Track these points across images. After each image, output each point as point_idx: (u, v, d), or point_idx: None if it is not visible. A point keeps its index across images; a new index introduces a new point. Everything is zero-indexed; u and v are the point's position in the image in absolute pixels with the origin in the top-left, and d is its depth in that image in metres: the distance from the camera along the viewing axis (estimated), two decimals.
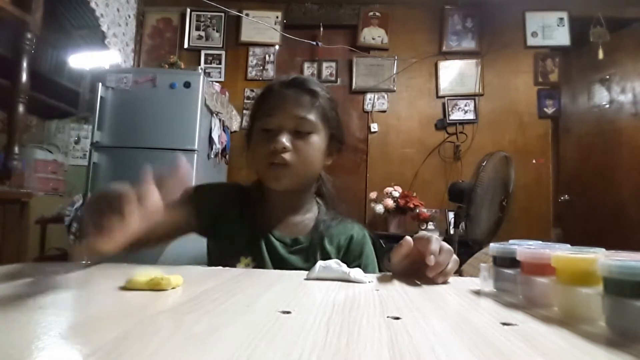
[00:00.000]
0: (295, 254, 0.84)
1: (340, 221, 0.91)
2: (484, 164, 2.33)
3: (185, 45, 3.55)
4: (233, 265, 0.82)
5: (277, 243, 0.85)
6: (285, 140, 0.80)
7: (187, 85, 2.57)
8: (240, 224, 0.87)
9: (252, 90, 3.49)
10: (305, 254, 0.85)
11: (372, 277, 0.59)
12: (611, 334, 0.32)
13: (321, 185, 0.95)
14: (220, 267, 0.69)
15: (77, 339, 0.29)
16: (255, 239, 0.85)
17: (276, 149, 0.79)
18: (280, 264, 0.83)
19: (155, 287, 0.45)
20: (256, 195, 0.89)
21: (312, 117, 0.82)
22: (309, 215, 0.90)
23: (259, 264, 0.83)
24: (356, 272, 0.57)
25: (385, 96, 3.46)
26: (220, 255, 0.86)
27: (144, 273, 0.47)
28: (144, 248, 0.74)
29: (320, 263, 0.60)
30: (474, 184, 2.32)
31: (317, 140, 0.84)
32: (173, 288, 0.47)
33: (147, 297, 0.43)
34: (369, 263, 0.89)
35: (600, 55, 3.05)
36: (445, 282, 0.59)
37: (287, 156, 0.80)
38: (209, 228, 0.88)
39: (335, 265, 0.58)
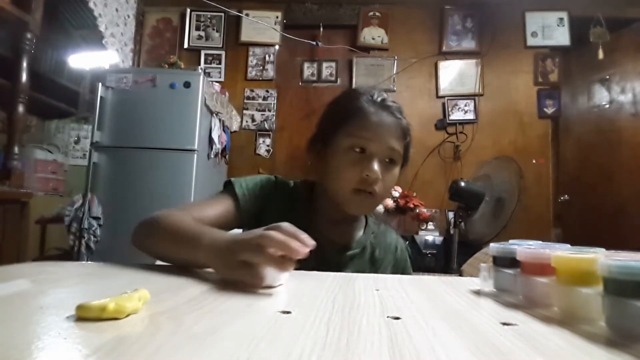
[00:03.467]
0: (346, 260, 0.86)
1: (386, 230, 0.94)
2: (489, 165, 2.33)
3: (185, 45, 3.55)
4: None
5: (328, 245, 0.83)
6: (378, 170, 0.79)
7: (187, 85, 2.57)
8: (288, 218, 0.81)
9: (252, 90, 3.49)
10: (357, 260, 0.86)
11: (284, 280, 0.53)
12: (611, 334, 0.32)
13: None
14: None
15: (77, 339, 0.29)
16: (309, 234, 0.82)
17: (370, 177, 0.78)
18: (329, 265, 0.78)
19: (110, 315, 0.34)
20: (306, 196, 0.89)
21: (400, 148, 0.83)
22: (359, 223, 0.92)
23: (304, 260, 0.77)
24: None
25: None
26: None
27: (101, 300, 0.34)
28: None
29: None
30: (481, 187, 2.32)
31: (397, 171, 0.85)
32: (128, 315, 0.35)
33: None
34: (408, 272, 0.94)
35: (600, 55, 3.05)
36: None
37: (374, 187, 0.79)
38: (250, 223, 0.84)
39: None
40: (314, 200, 0.89)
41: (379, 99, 0.85)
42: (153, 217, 0.76)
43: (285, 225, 0.55)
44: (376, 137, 0.80)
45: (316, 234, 0.77)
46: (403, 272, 0.92)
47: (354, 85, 3.46)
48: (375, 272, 0.87)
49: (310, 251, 0.75)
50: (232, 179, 0.88)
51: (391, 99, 0.87)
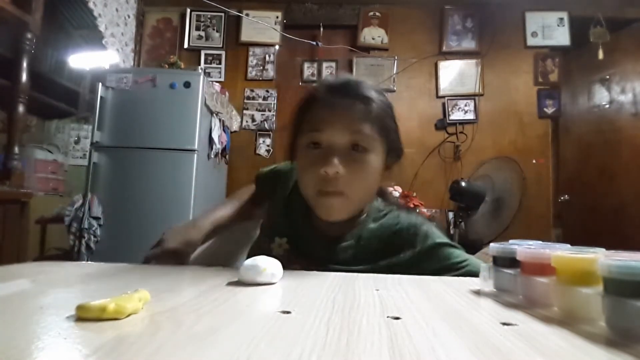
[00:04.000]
0: (340, 251, 0.75)
1: (396, 215, 0.78)
2: (490, 166, 2.33)
3: (185, 45, 3.55)
4: (268, 245, 0.79)
5: (320, 241, 0.77)
6: (337, 163, 0.67)
7: (187, 85, 2.57)
8: (284, 205, 0.83)
9: (252, 90, 3.49)
10: (350, 250, 0.75)
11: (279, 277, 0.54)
12: (611, 334, 0.32)
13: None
14: (221, 267, 0.69)
15: (77, 338, 0.29)
16: (295, 225, 0.80)
17: (327, 173, 0.67)
18: (323, 255, 0.75)
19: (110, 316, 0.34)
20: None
21: (368, 130, 0.70)
22: (358, 215, 0.79)
23: (294, 248, 0.78)
24: (272, 268, 0.53)
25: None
26: (261, 233, 0.87)
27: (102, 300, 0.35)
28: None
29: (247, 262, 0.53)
30: (481, 187, 2.32)
31: (374, 160, 0.71)
32: (129, 315, 0.35)
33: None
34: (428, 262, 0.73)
35: (600, 55, 3.05)
36: None
37: (340, 183, 0.68)
38: (272, 210, 0.89)
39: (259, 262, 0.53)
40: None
41: (334, 84, 0.74)
42: None
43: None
44: (329, 126, 0.69)
45: (309, 229, 0.80)
46: (436, 262, 0.73)
47: None
48: (386, 264, 0.73)
49: (297, 232, 0.79)
50: (258, 173, 0.98)
51: (361, 79, 0.75)
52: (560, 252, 0.41)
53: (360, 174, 0.70)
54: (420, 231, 0.75)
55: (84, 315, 0.33)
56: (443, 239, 0.77)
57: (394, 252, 0.74)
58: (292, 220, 0.82)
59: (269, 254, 0.72)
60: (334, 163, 0.67)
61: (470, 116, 3.40)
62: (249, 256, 0.79)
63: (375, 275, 0.62)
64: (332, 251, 0.75)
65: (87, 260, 2.34)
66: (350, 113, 0.70)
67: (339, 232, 0.77)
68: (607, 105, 3.11)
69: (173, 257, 0.79)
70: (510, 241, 0.54)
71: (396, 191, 3.06)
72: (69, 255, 2.48)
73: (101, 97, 2.54)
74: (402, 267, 0.70)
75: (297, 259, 0.76)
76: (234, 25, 3.56)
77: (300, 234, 0.80)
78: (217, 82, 3.26)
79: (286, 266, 0.70)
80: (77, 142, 3.96)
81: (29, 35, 1.86)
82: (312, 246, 0.78)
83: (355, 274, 0.63)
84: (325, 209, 0.71)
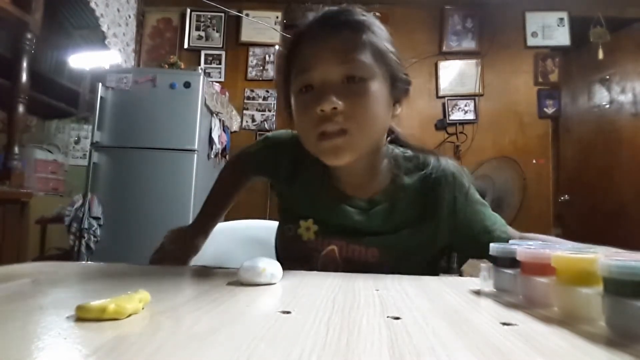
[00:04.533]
0: (373, 217, 0.70)
1: (425, 160, 0.73)
2: (490, 166, 2.33)
3: (185, 46, 3.55)
4: (294, 231, 0.73)
5: (348, 209, 0.70)
6: (333, 97, 0.60)
7: (187, 85, 2.57)
8: (294, 180, 0.76)
9: (252, 90, 3.50)
10: (385, 214, 0.70)
11: (279, 277, 0.53)
12: (611, 334, 0.32)
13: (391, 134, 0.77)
14: (220, 267, 0.69)
15: (77, 338, 0.29)
16: (319, 197, 0.72)
17: (324, 111, 0.60)
18: (357, 227, 0.69)
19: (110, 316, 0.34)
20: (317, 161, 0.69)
21: (362, 57, 0.62)
22: (384, 167, 0.73)
23: (323, 228, 0.71)
24: (272, 269, 0.53)
25: None
26: (283, 220, 0.78)
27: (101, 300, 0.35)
28: None
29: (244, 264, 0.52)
30: (479, 185, 2.32)
31: (376, 88, 0.64)
32: (129, 316, 0.35)
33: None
34: (475, 218, 0.70)
35: (600, 55, 3.05)
36: None
37: (340, 120, 0.61)
38: (283, 190, 0.80)
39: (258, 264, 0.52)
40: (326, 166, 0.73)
41: (317, 17, 0.67)
42: None
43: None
44: (317, 62, 0.62)
45: (334, 194, 0.71)
46: (466, 204, 0.70)
47: None
48: (426, 219, 0.69)
49: (327, 211, 0.70)
50: (266, 140, 0.87)
51: (344, 7, 0.67)
52: (560, 252, 0.41)
53: (361, 105, 0.62)
54: (458, 182, 0.71)
55: (83, 316, 0.33)
56: (478, 198, 0.73)
57: (434, 207, 0.70)
58: (310, 195, 0.73)
59: (299, 241, 0.72)
60: (328, 98, 0.60)
61: (470, 116, 3.41)
62: (278, 248, 0.80)
63: (375, 275, 0.62)
64: (366, 218, 0.69)
65: (87, 260, 2.34)
66: (338, 43, 0.63)
67: (366, 192, 0.71)
68: (607, 105, 3.11)
69: (174, 262, 0.80)
70: (510, 241, 0.54)
71: None
72: (69, 255, 2.48)
73: (101, 97, 2.54)
74: (443, 231, 0.68)
75: (331, 239, 0.70)
76: (234, 26, 3.56)
77: (325, 208, 0.71)
78: (217, 82, 3.26)
79: (321, 250, 0.69)
80: (77, 142, 3.96)
81: (29, 35, 1.86)
82: (342, 218, 0.70)
83: (354, 274, 0.62)
84: (329, 152, 0.63)
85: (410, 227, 0.69)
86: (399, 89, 0.70)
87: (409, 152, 0.76)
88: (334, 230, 0.70)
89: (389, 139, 0.76)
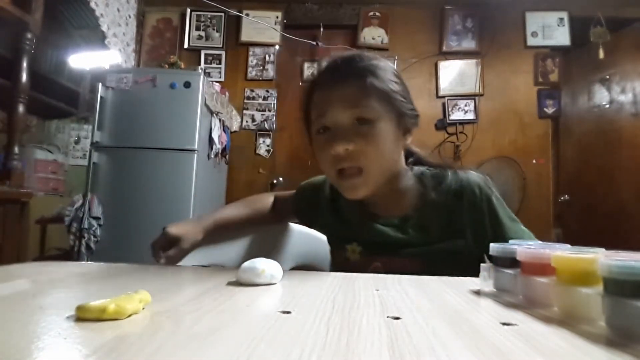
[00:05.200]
0: (408, 232, 0.76)
1: (448, 184, 0.77)
2: (490, 166, 2.32)
3: (186, 45, 3.55)
4: (343, 255, 0.81)
5: (384, 228, 0.77)
6: (344, 140, 0.68)
7: (187, 85, 2.57)
8: (334, 212, 0.86)
9: (252, 90, 3.50)
10: (418, 228, 0.76)
11: (279, 277, 0.54)
12: (611, 334, 0.32)
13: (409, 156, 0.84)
14: (221, 267, 0.69)
15: (77, 338, 0.29)
16: (360, 223, 0.80)
17: (336, 152, 0.69)
18: (394, 246, 0.76)
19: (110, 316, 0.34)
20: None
21: (369, 102, 0.70)
22: (410, 187, 0.79)
23: (367, 248, 0.78)
24: (271, 269, 0.53)
25: None
26: (332, 247, 0.88)
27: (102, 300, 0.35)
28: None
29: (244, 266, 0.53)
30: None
31: (383, 127, 0.71)
32: (130, 316, 0.35)
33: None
34: (501, 225, 0.75)
35: (601, 55, 3.05)
36: None
37: (354, 159, 0.69)
38: (327, 221, 0.89)
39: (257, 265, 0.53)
40: None
41: (328, 66, 0.76)
42: None
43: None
44: (328, 108, 0.71)
45: (368, 218, 0.80)
46: (490, 216, 0.75)
47: None
48: (456, 229, 0.75)
49: (366, 232, 0.78)
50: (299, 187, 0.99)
51: (355, 53, 0.76)
52: (560, 252, 0.41)
53: (371, 144, 0.70)
54: (483, 193, 0.76)
55: (83, 316, 0.33)
56: (506, 211, 0.77)
57: (460, 218, 0.75)
58: (350, 221, 0.82)
59: (348, 264, 0.79)
60: (340, 142, 0.68)
61: (471, 116, 3.41)
62: (336, 270, 0.85)
63: (375, 275, 0.62)
64: (401, 234, 0.76)
65: (87, 261, 2.34)
66: (346, 90, 0.71)
67: (397, 212, 0.78)
68: (607, 105, 3.11)
69: (173, 244, 0.82)
70: (510, 241, 0.54)
71: None
72: (69, 255, 2.48)
73: (101, 97, 2.54)
74: (470, 241, 0.74)
75: (375, 257, 0.77)
76: (234, 25, 3.56)
77: (364, 230, 0.79)
78: (217, 82, 3.26)
79: (367, 268, 0.76)
80: (77, 142, 3.96)
81: (29, 35, 1.86)
82: (381, 237, 0.77)
83: (355, 274, 0.63)
84: (347, 189, 0.73)
85: (443, 238, 0.75)
86: (407, 123, 0.76)
87: (433, 170, 0.81)
88: (376, 249, 0.77)
89: (411, 160, 0.83)
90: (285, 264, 0.94)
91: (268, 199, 1.01)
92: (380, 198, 0.79)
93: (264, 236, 1.03)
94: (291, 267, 0.96)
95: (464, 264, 0.71)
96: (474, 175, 0.78)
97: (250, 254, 0.95)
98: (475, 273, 0.72)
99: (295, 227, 1.03)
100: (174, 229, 0.83)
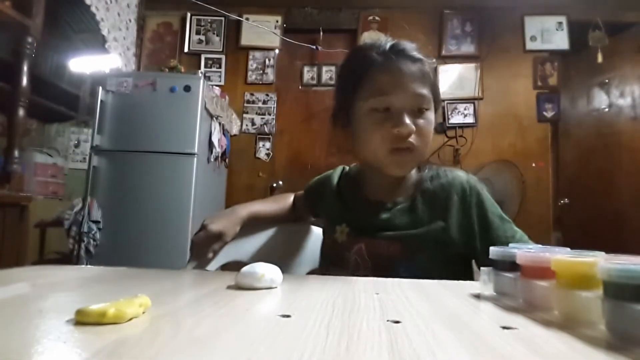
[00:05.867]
0: (396, 213, 0.80)
1: (445, 172, 0.84)
2: (490, 170, 2.33)
3: (186, 49, 3.56)
4: (332, 237, 0.85)
5: (374, 207, 0.82)
6: (409, 122, 0.73)
7: (187, 89, 2.58)
8: (337, 198, 0.90)
9: (252, 94, 3.50)
10: (408, 213, 0.79)
11: (279, 281, 0.53)
12: (611, 338, 0.32)
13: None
14: (220, 271, 0.69)
15: (76, 342, 0.29)
16: (351, 205, 0.86)
17: (402, 133, 0.72)
18: (382, 225, 0.79)
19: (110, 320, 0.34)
20: (359, 178, 0.89)
21: (428, 92, 0.76)
22: (411, 178, 0.85)
23: (354, 228, 0.82)
24: (271, 273, 0.53)
25: None
26: (324, 232, 0.92)
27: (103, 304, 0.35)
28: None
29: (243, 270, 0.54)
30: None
31: (432, 117, 0.78)
32: (131, 319, 0.35)
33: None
34: (494, 225, 0.77)
35: (599, 59, 3.06)
36: None
37: (412, 140, 0.74)
38: (331, 211, 0.92)
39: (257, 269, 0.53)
40: (366, 179, 0.88)
41: (388, 46, 0.78)
42: None
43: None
44: (397, 90, 0.74)
45: (362, 200, 0.86)
46: (478, 210, 0.79)
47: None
48: (440, 217, 0.78)
49: (355, 214, 0.84)
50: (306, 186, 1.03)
51: (404, 41, 0.80)
52: (560, 256, 0.41)
53: (425, 131, 0.76)
54: (472, 190, 0.81)
55: (83, 320, 0.33)
56: (497, 211, 0.80)
57: (445, 209, 0.79)
58: (345, 205, 0.87)
59: (335, 244, 0.84)
60: (407, 123, 0.73)
61: (470, 120, 3.41)
62: (321, 257, 0.92)
63: (375, 279, 0.62)
64: (389, 216, 0.80)
65: (87, 264, 2.33)
66: (413, 77, 0.75)
67: (391, 197, 0.82)
68: (607, 109, 3.11)
69: (217, 238, 0.84)
70: (510, 245, 0.54)
71: None
72: (68, 259, 2.47)
73: (101, 100, 2.54)
74: (454, 234, 0.77)
75: (359, 238, 0.81)
76: (234, 30, 3.57)
77: (356, 213, 0.84)
78: (217, 85, 3.26)
79: (352, 249, 0.80)
80: (77, 146, 3.97)
81: (29, 39, 1.87)
82: (369, 219, 0.81)
83: (355, 278, 0.62)
84: (398, 165, 0.77)
85: (427, 225, 0.78)
86: (438, 113, 0.83)
87: (430, 165, 0.88)
88: (362, 230, 0.81)
89: None
90: (303, 266, 0.95)
91: (290, 198, 1.06)
92: (383, 183, 0.83)
93: (288, 236, 1.04)
94: (309, 271, 0.97)
95: (444, 254, 0.77)
96: (464, 173, 0.85)
97: (272, 253, 0.97)
98: (455, 267, 0.79)
99: (317, 231, 1.04)
100: (214, 225, 0.85)
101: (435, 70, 0.79)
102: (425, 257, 0.76)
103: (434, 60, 0.87)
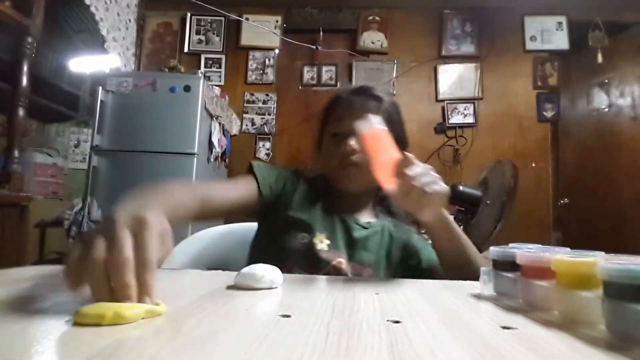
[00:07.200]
0: (372, 235, 0.87)
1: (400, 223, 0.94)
2: (489, 170, 2.33)
3: (186, 49, 3.56)
4: (309, 240, 0.83)
5: (352, 224, 0.87)
6: (353, 142, 0.84)
7: (187, 89, 2.58)
8: (311, 202, 0.90)
9: (252, 94, 3.50)
10: (379, 236, 0.88)
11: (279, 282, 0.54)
12: (611, 338, 0.32)
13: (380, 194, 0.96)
14: (220, 271, 0.69)
15: (76, 343, 0.29)
16: (329, 218, 0.88)
17: (346, 151, 0.84)
18: (353, 244, 0.85)
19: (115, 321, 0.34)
20: (324, 188, 0.93)
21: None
22: (372, 204, 0.95)
23: (333, 241, 0.85)
24: (271, 274, 0.53)
25: None
26: (290, 230, 0.85)
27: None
28: (202, 219, 0.76)
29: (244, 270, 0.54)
30: (480, 191, 2.32)
31: None
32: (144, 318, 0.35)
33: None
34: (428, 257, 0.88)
35: (599, 59, 3.06)
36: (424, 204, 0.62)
37: (356, 157, 0.84)
38: (270, 203, 0.87)
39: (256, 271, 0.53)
40: (332, 194, 0.93)
41: (352, 88, 0.93)
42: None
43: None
44: (347, 116, 0.87)
45: (339, 214, 0.88)
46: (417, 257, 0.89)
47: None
48: (406, 239, 0.90)
49: (334, 227, 0.86)
50: (254, 163, 0.92)
51: (372, 86, 0.93)
52: (560, 256, 0.41)
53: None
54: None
55: (82, 322, 0.33)
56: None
57: (404, 235, 0.90)
58: (320, 212, 0.89)
59: (311, 250, 0.81)
60: (350, 143, 0.84)
61: (470, 120, 3.41)
62: (271, 252, 0.85)
63: (375, 279, 0.62)
64: (365, 235, 0.86)
65: None
66: (363, 107, 0.87)
67: (364, 217, 0.90)
68: (606, 109, 3.11)
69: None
70: (510, 245, 0.54)
71: None
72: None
73: (101, 100, 2.54)
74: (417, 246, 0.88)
75: (340, 253, 0.83)
76: (234, 30, 3.57)
77: (334, 224, 0.87)
78: (217, 85, 3.27)
79: (332, 260, 0.81)
80: (77, 146, 3.97)
81: (29, 39, 1.87)
82: (348, 232, 0.86)
83: (355, 278, 0.62)
84: (345, 178, 0.86)
85: (394, 251, 0.88)
86: (399, 148, 0.87)
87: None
88: (341, 247, 0.85)
89: None
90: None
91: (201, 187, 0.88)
92: (355, 199, 0.92)
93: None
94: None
95: (409, 268, 0.86)
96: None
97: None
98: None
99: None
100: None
101: (397, 107, 0.95)
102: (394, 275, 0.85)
103: (393, 98, 0.96)
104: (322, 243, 0.84)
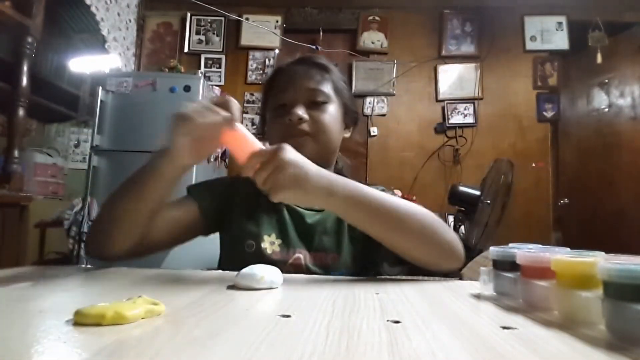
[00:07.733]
0: (326, 218, 0.80)
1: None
2: (489, 169, 2.33)
3: (186, 49, 3.56)
4: (257, 247, 0.77)
5: (302, 211, 0.81)
6: (300, 111, 0.79)
7: (187, 89, 2.58)
8: (253, 204, 0.82)
9: (252, 94, 3.50)
10: (335, 217, 0.80)
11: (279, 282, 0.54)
12: (611, 338, 0.32)
13: (337, 163, 0.91)
14: (220, 271, 0.69)
15: (76, 342, 0.29)
16: (277, 214, 0.81)
17: (292, 120, 0.79)
18: (308, 232, 0.79)
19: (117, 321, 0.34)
20: None
21: (324, 88, 0.83)
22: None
23: (285, 238, 0.79)
24: (271, 275, 0.53)
25: (385, 100, 3.47)
26: (237, 240, 0.80)
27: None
28: (152, 251, 0.75)
29: (243, 271, 0.54)
30: (479, 191, 2.32)
31: (333, 109, 0.83)
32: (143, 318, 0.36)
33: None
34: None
35: (599, 59, 3.06)
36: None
37: (305, 126, 0.79)
38: (218, 220, 0.83)
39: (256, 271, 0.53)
40: None
41: (293, 59, 0.88)
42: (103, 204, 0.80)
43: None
44: (291, 86, 0.82)
45: (287, 206, 0.82)
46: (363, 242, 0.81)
47: (353, 90, 3.46)
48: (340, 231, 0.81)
49: (283, 222, 0.79)
50: (191, 185, 0.88)
51: (313, 54, 0.91)
52: (560, 256, 0.41)
53: (321, 120, 0.80)
54: None
55: (82, 322, 0.33)
56: None
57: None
58: (267, 213, 0.81)
59: (263, 255, 0.76)
60: (295, 112, 0.78)
61: (470, 120, 3.41)
62: (232, 264, 0.72)
63: (376, 278, 0.62)
64: (319, 219, 0.80)
65: (87, 264, 2.33)
66: (307, 76, 0.83)
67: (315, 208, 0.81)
68: (606, 109, 3.12)
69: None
70: (510, 245, 0.54)
71: (396, 195, 3.06)
72: (68, 259, 2.47)
73: (101, 100, 2.54)
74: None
75: (295, 249, 0.78)
76: (234, 30, 3.57)
77: (283, 221, 0.80)
78: (217, 85, 3.27)
79: (287, 260, 0.76)
80: (77, 146, 3.96)
81: (29, 39, 1.87)
82: (300, 224, 0.80)
83: (355, 278, 0.62)
84: (298, 148, 0.71)
85: (357, 231, 0.74)
86: (349, 117, 0.88)
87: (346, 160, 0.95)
88: (296, 241, 0.79)
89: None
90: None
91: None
92: None
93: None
94: None
95: (373, 264, 0.80)
96: None
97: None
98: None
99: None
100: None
101: (342, 75, 0.91)
102: (358, 263, 0.79)
103: (337, 66, 0.91)
104: (272, 245, 0.78)
